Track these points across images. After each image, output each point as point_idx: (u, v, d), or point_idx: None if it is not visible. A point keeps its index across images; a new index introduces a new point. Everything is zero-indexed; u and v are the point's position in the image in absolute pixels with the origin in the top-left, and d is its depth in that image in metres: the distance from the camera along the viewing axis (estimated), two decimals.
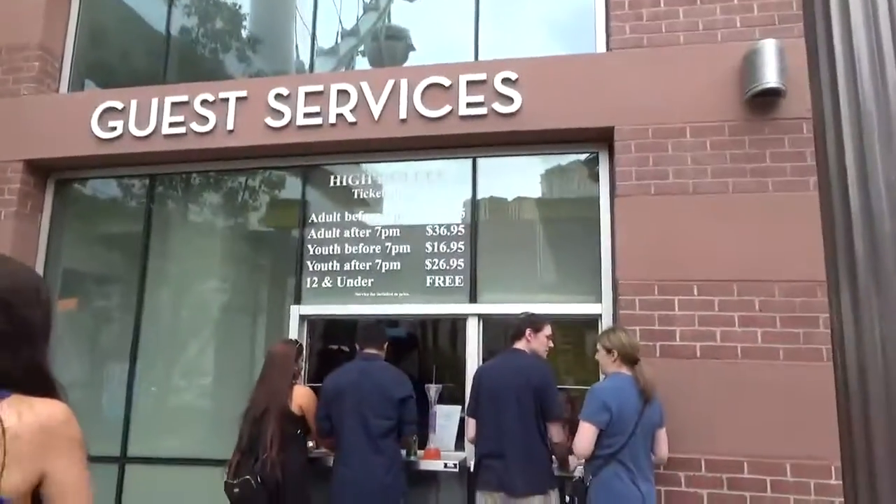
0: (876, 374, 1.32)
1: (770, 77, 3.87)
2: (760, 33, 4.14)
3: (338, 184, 4.89)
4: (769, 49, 3.91)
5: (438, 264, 4.58)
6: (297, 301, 4.72)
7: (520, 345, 3.73)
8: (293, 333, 4.60)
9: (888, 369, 1.32)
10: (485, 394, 3.57)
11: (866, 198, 1.38)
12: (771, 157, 4.01)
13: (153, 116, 4.88)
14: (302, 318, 4.69)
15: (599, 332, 4.13)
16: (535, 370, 3.56)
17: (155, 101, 4.91)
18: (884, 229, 1.36)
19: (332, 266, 4.74)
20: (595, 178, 4.54)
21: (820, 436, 3.51)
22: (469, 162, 4.68)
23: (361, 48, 5.24)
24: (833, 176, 1.47)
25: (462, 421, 4.20)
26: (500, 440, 3.46)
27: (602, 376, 3.68)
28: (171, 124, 4.85)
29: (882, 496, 1.27)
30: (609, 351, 3.45)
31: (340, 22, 5.19)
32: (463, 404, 4.29)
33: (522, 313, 3.87)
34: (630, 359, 3.38)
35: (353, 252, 4.73)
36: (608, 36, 4.51)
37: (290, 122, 4.66)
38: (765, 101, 4.03)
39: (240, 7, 5.61)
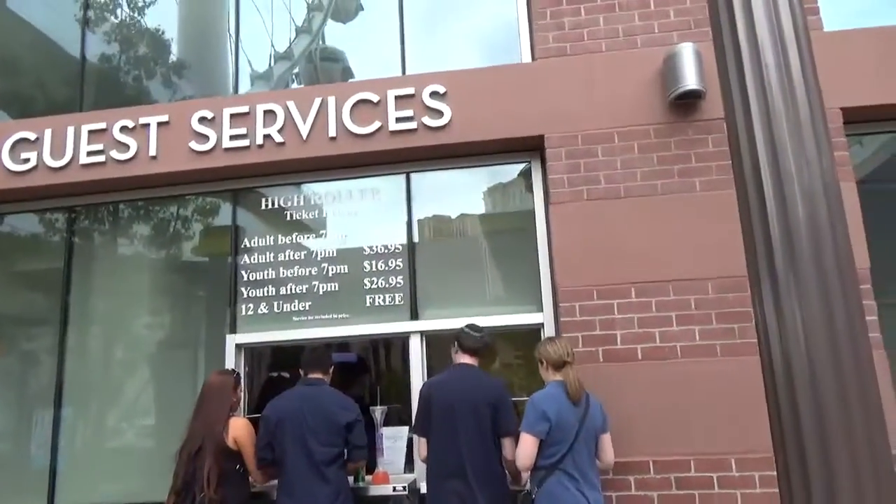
0: (799, 359, 1.33)
1: (690, 79, 3.97)
2: (678, 37, 4.26)
3: (270, 206, 4.82)
4: (687, 52, 4.01)
5: (377, 283, 4.54)
6: (233, 330, 4.62)
7: (468, 359, 3.64)
8: (230, 364, 4.50)
9: (810, 354, 1.33)
10: (438, 410, 3.45)
11: (778, 183, 1.40)
12: (696, 157, 4.10)
13: (69, 146, 4.71)
14: (238, 346, 4.58)
15: (543, 336, 4.17)
16: (491, 384, 3.49)
17: (71, 130, 4.75)
18: (797, 214, 1.37)
19: (268, 291, 4.66)
20: (529, 187, 4.57)
21: (760, 429, 3.55)
22: (402, 178, 4.67)
23: (296, 71, 5.20)
24: (746, 167, 1.49)
25: (410, 442, 4.12)
26: (460, 459, 3.34)
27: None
28: (90, 153, 4.70)
29: (812, 475, 1.28)
30: (540, 361, 3.45)
31: (273, 45, 5.15)
32: (410, 425, 4.19)
33: (469, 327, 3.76)
34: (557, 364, 3.36)
35: (289, 275, 4.65)
36: (532, 46, 4.57)
37: (215, 145, 4.59)
38: (687, 104, 4.13)
39: (163, 32, 5.46)
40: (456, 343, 3.68)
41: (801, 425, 1.34)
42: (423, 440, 3.53)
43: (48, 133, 4.77)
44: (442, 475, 3.39)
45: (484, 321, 4.03)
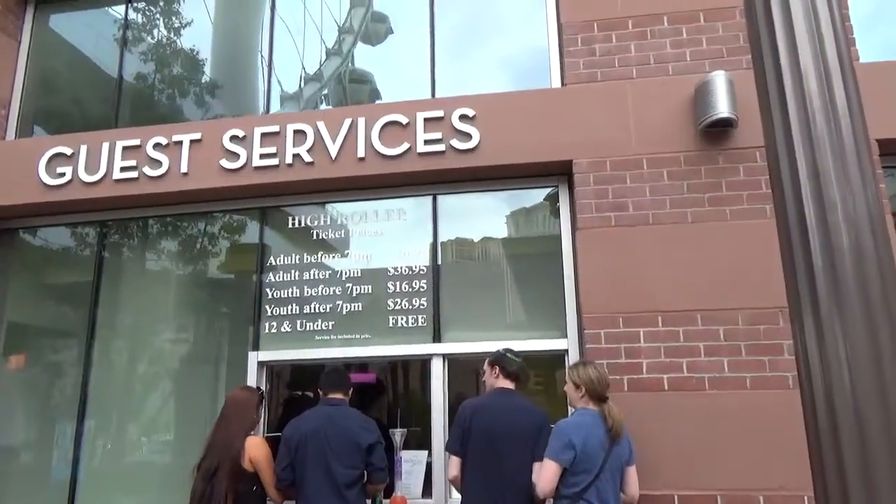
0: (843, 393, 1.28)
1: (722, 107, 3.94)
2: (710, 66, 4.23)
3: (296, 225, 4.84)
4: (719, 81, 3.99)
5: (401, 304, 4.53)
6: (256, 347, 4.62)
7: (509, 384, 3.58)
8: (251, 381, 4.49)
9: (854, 387, 1.28)
10: (479, 434, 3.37)
11: (821, 211, 1.37)
12: (727, 185, 4.05)
13: (104, 161, 4.78)
14: (260, 364, 4.58)
15: (567, 366, 4.10)
16: (536, 412, 3.45)
17: (105, 146, 4.82)
18: (841, 243, 1.33)
19: (292, 310, 4.65)
20: (556, 212, 4.56)
21: (791, 465, 3.49)
22: (429, 200, 4.69)
23: (325, 92, 5.27)
24: (788, 195, 1.46)
25: (429, 466, 4.07)
26: (501, 487, 3.26)
27: (570, 410, 3.61)
28: (123, 168, 4.77)
29: None
30: (577, 386, 3.37)
31: (303, 67, 5.24)
32: (429, 449, 4.18)
33: (509, 351, 3.72)
34: (598, 396, 3.30)
35: (313, 294, 4.66)
36: (563, 71, 4.57)
37: (245, 163, 4.63)
38: (718, 132, 4.09)
39: (197, 52, 5.56)
40: (497, 367, 3.62)
41: (844, 464, 1.29)
42: (457, 460, 3.43)
43: (83, 149, 4.84)
44: (481, 501, 3.33)
45: (506, 345, 3.95)
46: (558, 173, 4.48)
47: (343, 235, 4.78)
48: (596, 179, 4.20)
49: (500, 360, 3.63)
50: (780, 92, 1.51)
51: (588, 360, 3.60)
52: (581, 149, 4.25)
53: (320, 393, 3.79)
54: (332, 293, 4.65)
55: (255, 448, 3.53)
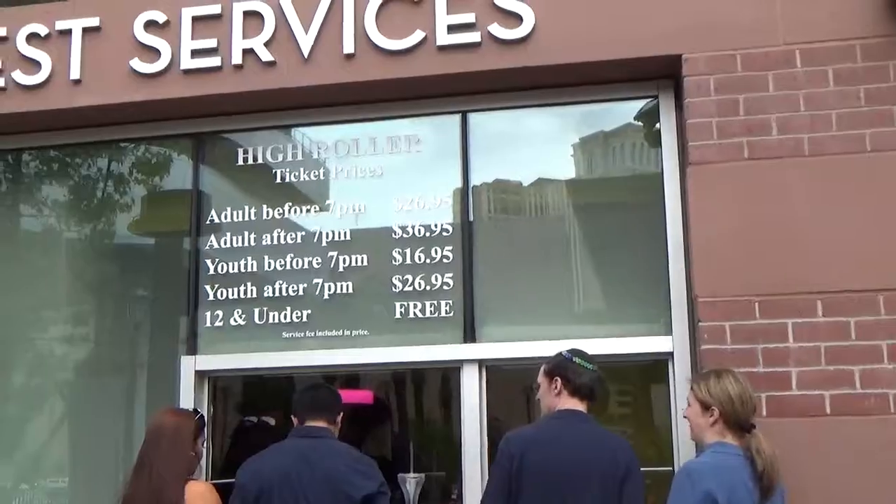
0: None
1: None
2: None
3: (250, 161, 4.82)
4: None
5: (414, 283, 4.50)
6: (192, 350, 4.61)
7: (577, 404, 3.58)
8: (186, 401, 4.48)
9: None
10: (535, 481, 3.36)
11: None
12: None
13: None
14: (199, 375, 4.57)
15: (670, 378, 4.12)
16: (618, 445, 3.48)
17: None
18: None
19: (245, 292, 4.64)
20: (653, 139, 4.49)
21: None
22: (456, 121, 4.63)
23: None
24: None
25: None
26: None
27: (694, 447, 3.62)
28: None
29: None
30: (707, 408, 3.31)
31: None
32: (459, 502, 4.22)
33: (576, 354, 3.70)
34: (740, 423, 3.25)
35: (278, 268, 4.64)
36: None
37: (169, 64, 4.56)
38: None
39: None
40: (559, 379, 3.57)
41: None
42: None
43: None
44: None
45: (573, 346, 3.87)
46: (658, 76, 4.39)
47: (322, 177, 4.78)
48: (719, 86, 4.09)
49: (562, 369, 3.61)
50: None
51: (723, 370, 3.52)
52: (696, 38, 4.14)
53: (293, 419, 3.78)
54: (306, 266, 4.62)
55: (200, 500, 3.52)
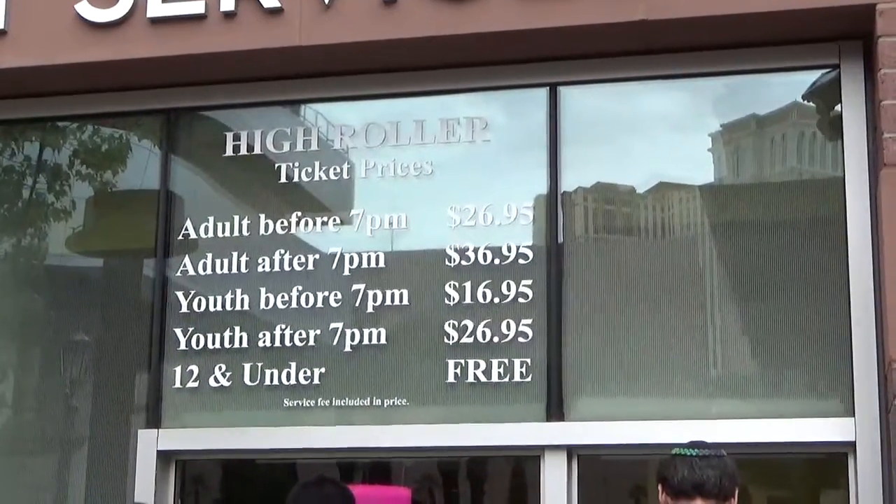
0: None
1: None
2: None
3: (242, 152, 4.37)
4: None
5: (476, 332, 3.98)
6: (154, 421, 4.16)
7: None
8: (144, 493, 4.03)
9: None
10: None
11: None
12: None
13: None
14: (163, 457, 4.11)
15: (851, 480, 3.68)
16: None
17: None
18: None
19: (232, 338, 4.15)
20: (831, 128, 3.98)
21: None
22: (542, 98, 4.12)
23: None
24: None
25: None
26: None
27: None
28: None
29: None
30: None
31: None
32: None
33: (700, 447, 3.04)
34: None
35: (280, 305, 4.16)
36: None
37: (131, 9, 4.08)
38: None
39: None
40: (660, 485, 3.02)
41: None
42: None
43: None
44: None
45: (710, 433, 3.35)
46: (839, 37, 3.87)
47: (345, 176, 4.34)
48: None
49: (662, 468, 3.07)
50: None
51: None
52: None
53: None
54: (320, 304, 4.16)
55: None
